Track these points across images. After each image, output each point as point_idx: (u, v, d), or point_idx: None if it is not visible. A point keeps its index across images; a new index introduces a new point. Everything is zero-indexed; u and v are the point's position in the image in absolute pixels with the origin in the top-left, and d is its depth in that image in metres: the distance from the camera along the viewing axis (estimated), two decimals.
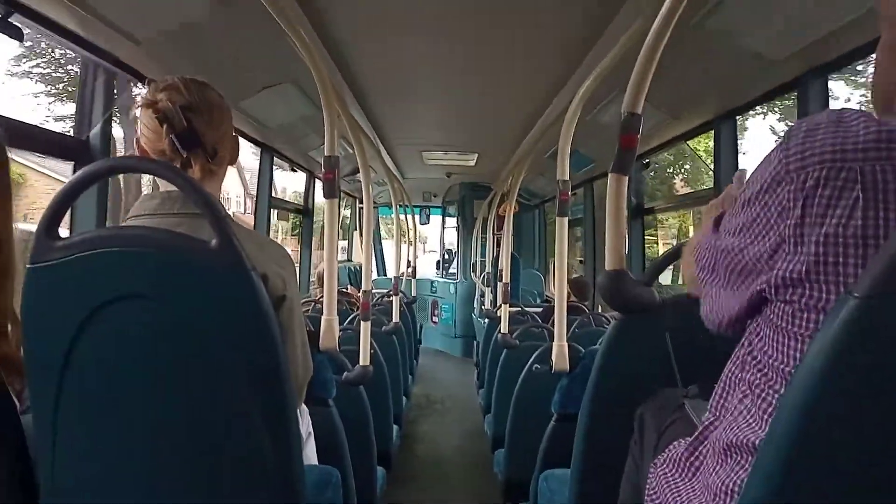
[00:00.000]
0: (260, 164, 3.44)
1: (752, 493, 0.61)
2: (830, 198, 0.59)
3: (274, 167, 3.56)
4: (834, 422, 0.56)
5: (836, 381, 0.54)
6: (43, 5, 1.50)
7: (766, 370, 0.67)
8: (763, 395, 0.67)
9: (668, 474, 0.85)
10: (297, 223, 4.67)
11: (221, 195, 1.23)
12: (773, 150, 0.66)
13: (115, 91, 1.96)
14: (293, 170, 4.15)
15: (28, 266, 0.88)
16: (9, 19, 1.44)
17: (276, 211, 3.93)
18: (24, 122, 1.76)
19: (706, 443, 0.78)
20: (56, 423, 0.91)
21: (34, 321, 0.89)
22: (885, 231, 0.56)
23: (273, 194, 3.62)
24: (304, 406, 1.41)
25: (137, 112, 1.13)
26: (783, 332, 0.64)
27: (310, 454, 1.48)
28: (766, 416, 0.67)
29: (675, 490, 0.82)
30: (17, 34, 1.48)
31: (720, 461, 0.73)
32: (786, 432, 0.57)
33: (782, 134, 0.67)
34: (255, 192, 3.48)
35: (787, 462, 0.57)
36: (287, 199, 4.71)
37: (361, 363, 2.00)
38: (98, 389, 0.91)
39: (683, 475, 0.82)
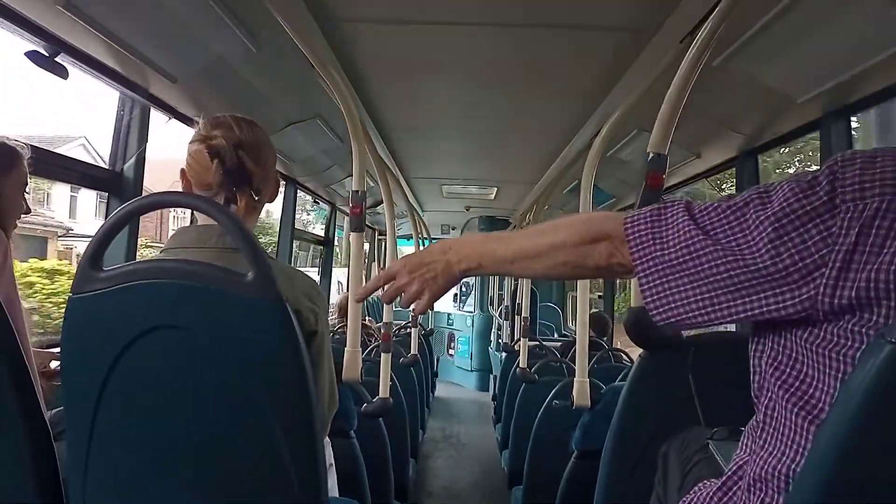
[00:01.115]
0: (284, 196, 3.51)
1: None
2: (890, 229, 0.60)
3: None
4: (866, 465, 0.56)
5: (870, 424, 0.55)
6: (87, 45, 1.57)
7: (804, 397, 0.67)
8: (795, 426, 0.67)
9: None
10: (319, 253, 4.70)
11: None
12: (812, 175, 0.66)
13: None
14: (315, 202, 4.21)
15: (71, 296, 0.91)
16: (55, 59, 1.51)
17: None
18: (59, 154, 1.84)
19: (740, 483, 0.77)
20: (90, 448, 0.93)
21: (75, 349, 0.92)
22: None
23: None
24: (326, 437, 1.41)
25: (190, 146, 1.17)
26: (825, 354, 0.64)
27: (331, 485, 1.48)
28: (798, 447, 0.67)
29: None
30: (62, 73, 1.55)
31: (746, 499, 0.72)
32: (815, 481, 0.58)
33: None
34: None
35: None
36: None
37: (381, 395, 2.00)
38: (133, 417, 0.93)
39: None
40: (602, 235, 0.79)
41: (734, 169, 2.55)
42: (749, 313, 0.67)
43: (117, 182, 2.02)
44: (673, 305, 0.72)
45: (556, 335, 6.09)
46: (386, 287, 0.95)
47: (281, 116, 2.49)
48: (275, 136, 2.56)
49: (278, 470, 0.92)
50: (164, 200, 0.95)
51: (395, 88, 2.41)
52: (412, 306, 0.93)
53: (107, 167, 2.02)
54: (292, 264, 3.66)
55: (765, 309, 0.66)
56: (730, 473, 0.80)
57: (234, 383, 0.90)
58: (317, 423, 0.93)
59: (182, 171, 1.18)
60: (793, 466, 0.66)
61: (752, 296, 0.67)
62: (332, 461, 1.56)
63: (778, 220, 0.65)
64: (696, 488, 0.90)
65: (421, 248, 5.12)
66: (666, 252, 0.72)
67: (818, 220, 0.63)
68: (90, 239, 0.94)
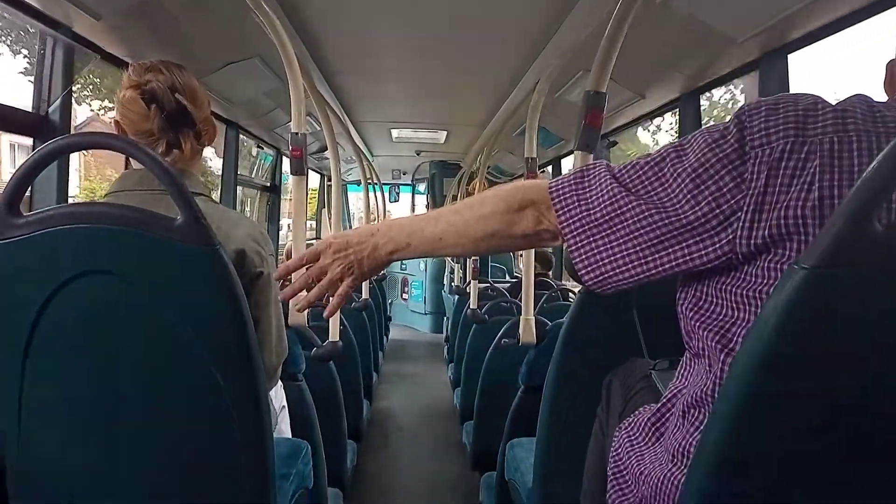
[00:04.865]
0: (225, 140, 3.37)
1: (703, 452, 0.64)
2: (795, 168, 0.63)
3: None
4: (780, 387, 0.59)
5: (783, 344, 0.58)
6: None
7: (722, 332, 0.70)
8: (721, 356, 0.70)
9: (633, 438, 0.89)
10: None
11: None
12: (723, 126, 0.69)
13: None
14: (259, 146, 4.08)
15: None
16: None
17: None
18: None
19: (672, 410, 0.81)
20: (21, 401, 0.91)
21: None
22: (839, 193, 0.61)
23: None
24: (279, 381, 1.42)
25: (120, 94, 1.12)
26: (743, 294, 0.68)
27: (283, 427, 1.50)
28: (715, 377, 0.71)
29: (638, 454, 0.86)
30: None
31: (678, 424, 0.77)
32: (735, 397, 0.61)
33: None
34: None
35: (736, 425, 0.61)
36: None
37: (331, 339, 2.01)
38: (64, 367, 0.91)
39: (648, 440, 0.86)
40: (528, 202, 0.80)
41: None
42: (673, 263, 0.70)
43: (42, 126, 1.89)
44: (601, 263, 0.74)
45: (507, 277, 6.20)
46: (307, 268, 0.91)
47: (218, 56, 2.37)
48: (213, 76, 2.44)
49: (219, 411, 0.92)
50: (84, 142, 0.90)
51: (338, 28, 2.33)
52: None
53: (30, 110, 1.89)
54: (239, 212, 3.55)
55: (688, 257, 0.69)
56: (664, 401, 0.84)
57: (169, 330, 0.88)
58: (257, 366, 0.93)
59: (115, 121, 1.15)
60: (713, 394, 0.70)
61: (675, 246, 0.69)
62: (285, 403, 1.58)
63: (694, 170, 0.68)
64: (635, 413, 0.94)
65: (371, 193, 5.07)
66: (591, 212, 0.74)
67: (731, 167, 0.66)
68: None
